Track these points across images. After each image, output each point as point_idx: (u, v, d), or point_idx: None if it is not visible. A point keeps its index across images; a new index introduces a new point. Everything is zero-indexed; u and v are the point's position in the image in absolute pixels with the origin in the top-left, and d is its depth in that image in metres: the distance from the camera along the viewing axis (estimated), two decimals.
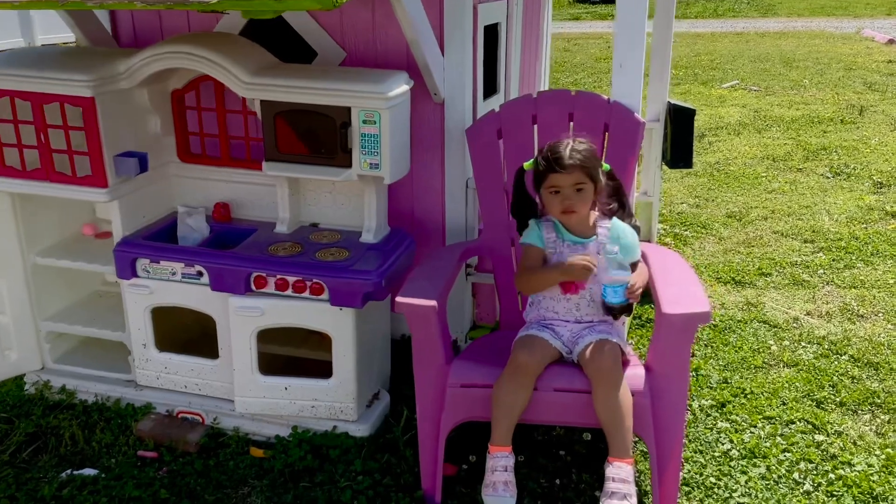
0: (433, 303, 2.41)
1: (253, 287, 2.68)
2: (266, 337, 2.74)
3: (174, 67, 2.71)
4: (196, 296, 2.77)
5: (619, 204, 2.53)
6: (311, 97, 2.58)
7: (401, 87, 2.61)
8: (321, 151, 2.66)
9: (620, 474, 2.24)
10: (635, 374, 2.37)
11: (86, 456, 2.79)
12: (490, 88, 3.32)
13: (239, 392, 2.79)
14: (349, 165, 2.64)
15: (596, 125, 2.79)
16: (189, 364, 2.89)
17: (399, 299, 2.43)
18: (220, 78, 2.63)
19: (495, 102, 3.34)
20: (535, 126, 2.86)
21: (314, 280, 2.62)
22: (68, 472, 2.69)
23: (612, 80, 2.80)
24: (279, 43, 3.01)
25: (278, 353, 2.83)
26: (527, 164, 2.53)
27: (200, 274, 2.73)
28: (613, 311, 2.42)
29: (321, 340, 2.79)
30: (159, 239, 2.86)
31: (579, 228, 2.47)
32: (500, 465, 2.30)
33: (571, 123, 2.83)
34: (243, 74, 2.60)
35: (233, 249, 2.75)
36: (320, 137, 2.64)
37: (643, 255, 2.56)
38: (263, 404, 2.79)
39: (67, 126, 2.67)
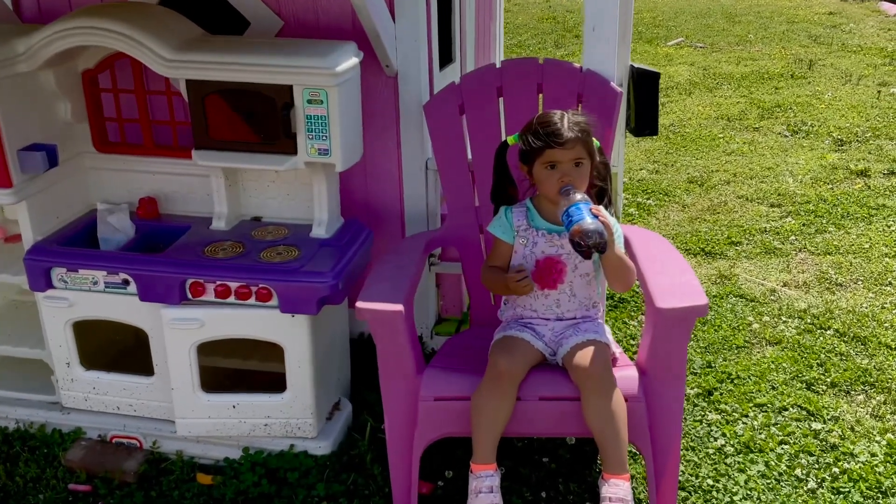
0: (399, 307, 2.12)
1: (189, 295, 2.35)
2: (207, 349, 2.42)
3: (83, 45, 2.33)
4: (123, 307, 2.42)
5: (601, 189, 2.26)
6: (246, 74, 2.24)
7: (350, 60, 2.28)
8: (260, 137, 2.32)
9: (618, 493, 1.99)
10: (627, 376, 2.13)
11: (9, 493, 2.45)
12: (445, 57, 3.01)
13: (180, 413, 2.46)
14: (294, 152, 2.31)
15: (568, 96, 2.50)
16: (121, 383, 2.55)
17: (360, 305, 2.13)
18: (138, 56, 2.27)
19: (452, 73, 3.03)
20: (501, 99, 2.57)
21: (260, 285, 2.30)
22: None
23: (583, 46, 2.51)
24: (205, 13, 2.63)
25: (222, 366, 2.51)
26: (511, 139, 2.24)
27: (126, 283, 2.38)
28: (582, 247, 1.96)
29: (271, 349, 2.48)
30: (76, 243, 2.50)
31: (555, 215, 2.19)
32: (485, 485, 2.04)
33: (541, 95, 2.54)
34: (165, 51, 2.24)
35: (163, 253, 2.40)
36: (259, 121, 2.31)
37: (626, 242, 2.30)
38: (209, 425, 2.47)
39: None
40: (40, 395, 2.68)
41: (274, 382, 2.47)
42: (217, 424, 2.47)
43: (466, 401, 2.13)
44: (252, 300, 2.32)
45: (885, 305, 3.35)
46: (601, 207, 2.08)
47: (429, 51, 2.72)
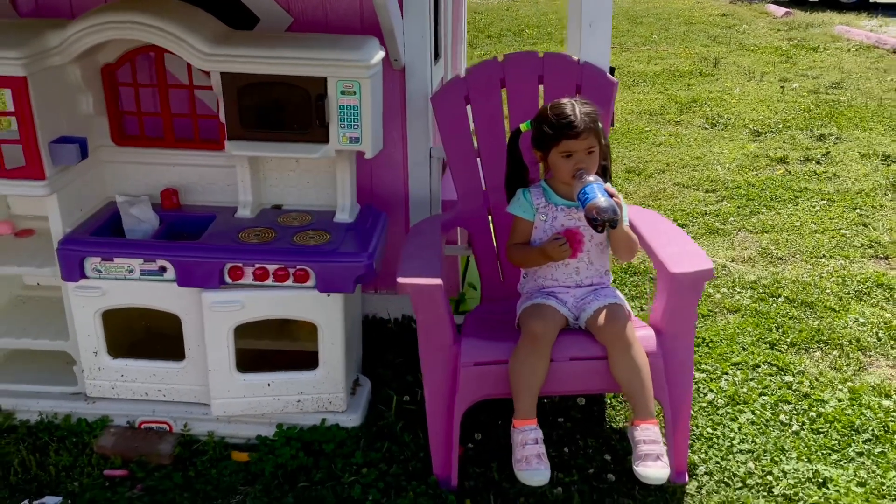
0: (438, 281, 2.30)
1: (228, 279, 2.45)
2: (239, 332, 2.52)
3: (111, 39, 2.40)
4: (158, 294, 2.50)
5: (604, 167, 2.50)
6: (283, 67, 2.36)
7: (379, 53, 2.44)
8: (294, 127, 2.45)
9: (650, 436, 2.24)
10: (646, 335, 2.37)
11: (42, 483, 2.47)
12: (436, 54, 3.18)
13: (216, 394, 2.56)
14: (326, 141, 2.45)
15: (567, 87, 2.73)
16: (150, 369, 2.62)
17: (402, 280, 2.30)
18: (176, 49, 2.36)
19: (440, 68, 3.22)
20: (504, 90, 2.78)
21: (298, 267, 2.43)
22: (25, 502, 2.38)
23: (581, 41, 2.76)
24: (217, 8, 2.72)
25: (253, 347, 2.62)
26: (524, 126, 2.45)
27: (163, 269, 2.46)
28: (597, 223, 2.18)
29: (298, 329, 2.61)
30: (103, 234, 2.56)
31: (570, 192, 2.42)
32: (531, 437, 2.24)
33: (541, 86, 2.76)
34: (202, 45, 2.34)
35: (200, 240, 2.49)
36: (292, 112, 2.43)
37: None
38: (244, 404, 2.58)
39: None
40: (61, 387, 2.71)
41: (301, 360, 2.59)
42: (252, 403, 2.58)
43: (503, 365, 2.32)
44: (289, 282, 2.45)
45: (822, 275, 3.74)
46: (611, 186, 2.32)
47: (431, 47, 2.89)
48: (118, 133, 2.67)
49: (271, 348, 2.67)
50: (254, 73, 2.38)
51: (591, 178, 2.26)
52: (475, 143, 2.78)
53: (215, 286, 2.44)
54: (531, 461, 2.22)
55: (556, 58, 2.77)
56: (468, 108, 2.77)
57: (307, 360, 2.58)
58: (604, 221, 2.20)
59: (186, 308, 2.51)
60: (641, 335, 2.35)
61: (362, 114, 2.41)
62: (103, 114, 2.62)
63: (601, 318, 2.32)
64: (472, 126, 2.78)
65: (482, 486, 2.43)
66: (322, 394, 2.60)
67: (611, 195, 2.24)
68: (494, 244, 2.78)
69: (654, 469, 2.19)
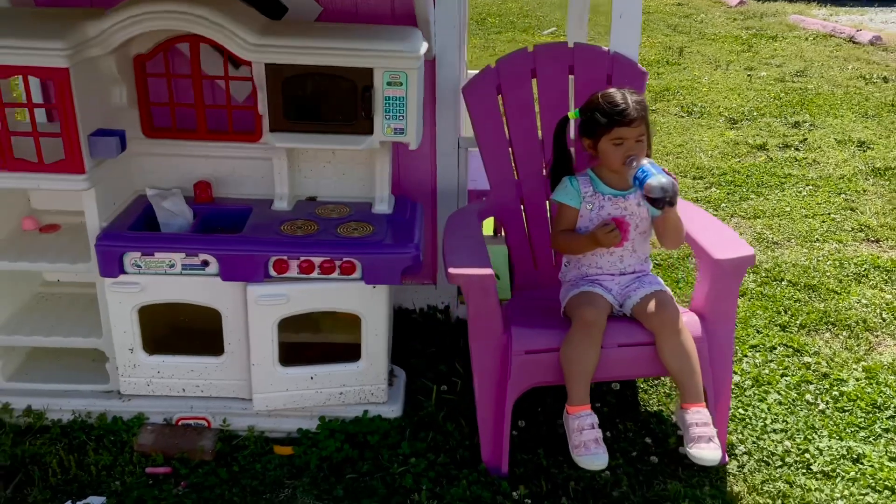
0: (490, 271, 2.32)
1: (273, 272, 2.43)
2: (281, 325, 2.50)
3: (149, 30, 2.35)
4: (199, 289, 2.46)
5: (647, 155, 2.55)
6: (330, 58, 2.34)
7: (424, 44, 2.44)
8: (338, 118, 2.43)
9: (701, 418, 2.29)
10: (692, 321, 2.43)
11: (83, 483, 2.42)
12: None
13: (258, 388, 2.54)
14: (370, 132, 2.45)
15: (598, 77, 2.77)
16: (188, 364, 2.58)
17: (453, 271, 2.31)
18: (221, 40, 2.32)
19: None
20: (534, 80, 2.80)
21: (345, 259, 2.42)
22: (69, 503, 2.34)
23: (611, 31, 2.79)
24: None
25: (294, 340, 2.60)
26: (572, 114, 2.48)
27: (206, 264, 2.43)
28: (658, 200, 2.23)
29: (338, 321, 2.60)
30: (139, 228, 2.51)
31: (617, 181, 2.46)
32: (587, 423, 2.28)
33: (572, 77, 2.79)
34: (249, 35, 2.31)
35: (243, 233, 2.46)
36: (336, 103, 2.42)
37: None
38: (287, 398, 2.56)
39: (32, 104, 2.25)
40: (92, 385, 2.65)
41: (342, 352, 2.59)
42: (294, 396, 2.56)
43: (554, 353, 2.36)
44: (335, 274, 2.44)
45: (819, 259, 3.87)
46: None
47: (459, 36, 2.90)
48: (148, 125, 2.61)
49: (310, 341, 2.65)
50: (300, 64, 2.35)
51: (645, 160, 2.30)
52: (507, 134, 2.80)
53: (260, 280, 2.42)
54: (590, 446, 2.26)
55: (586, 48, 2.80)
56: (499, 98, 2.78)
57: (348, 352, 2.58)
58: (665, 198, 2.23)
59: (228, 302, 2.48)
60: (687, 320, 2.41)
61: (408, 105, 2.41)
62: (135, 105, 2.56)
63: (651, 306, 2.36)
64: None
65: (531, 472, 2.46)
66: (364, 385, 2.60)
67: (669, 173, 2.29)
68: (527, 233, 2.81)
69: (707, 451, 2.25)
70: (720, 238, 2.48)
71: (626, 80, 2.74)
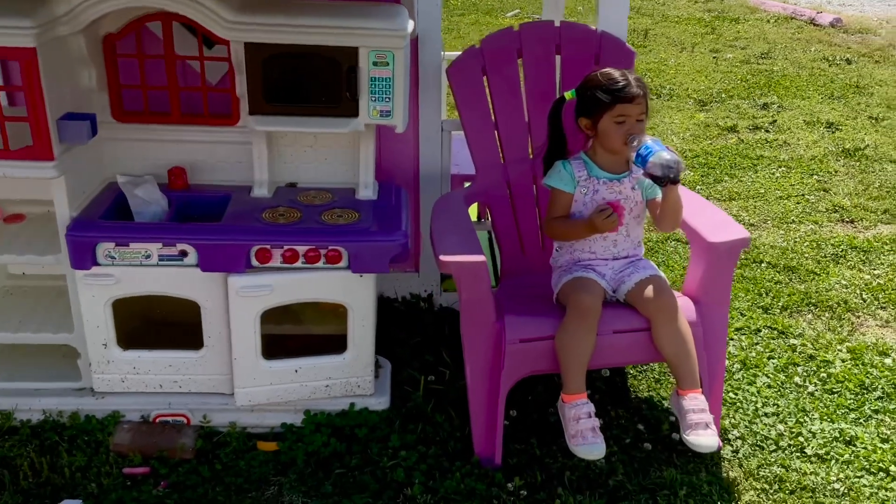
0: (483, 258, 2.25)
1: (255, 262, 2.32)
2: (263, 317, 2.40)
3: (120, 7, 2.22)
4: (176, 280, 2.35)
5: None
6: (312, 37, 2.24)
7: (410, 22, 2.34)
8: (321, 100, 2.33)
9: (697, 405, 2.26)
10: (687, 305, 2.39)
11: (57, 486, 2.31)
12: None
13: (240, 382, 2.44)
14: (355, 114, 2.35)
15: (586, 58, 2.71)
16: (165, 360, 2.47)
17: (445, 258, 2.24)
18: (197, 17, 2.20)
19: None
20: (521, 60, 2.72)
21: (330, 247, 2.33)
22: None
23: (598, 10, 2.73)
24: None
25: (277, 332, 2.50)
26: (568, 94, 2.41)
27: (184, 254, 2.31)
28: (661, 177, 2.16)
29: (320, 312, 2.52)
30: (112, 217, 2.38)
31: (612, 165, 2.41)
32: (584, 412, 2.23)
33: (559, 56, 2.72)
34: (227, 12, 2.19)
35: (223, 221, 2.35)
36: (320, 84, 2.32)
37: None
38: (270, 392, 2.46)
39: None
40: (64, 383, 2.53)
41: (327, 344, 2.50)
42: (278, 390, 2.47)
43: (548, 340, 2.30)
44: (321, 263, 2.34)
45: (796, 240, 3.87)
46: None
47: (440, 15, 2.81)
48: (119, 109, 2.48)
49: (294, 333, 2.55)
50: (281, 43, 2.25)
51: (648, 139, 2.24)
52: (493, 116, 2.72)
53: (241, 270, 2.31)
54: (587, 435, 2.21)
55: (573, 27, 2.73)
56: (484, 79, 2.71)
57: (333, 344, 2.49)
58: (670, 175, 2.16)
59: (207, 294, 2.37)
60: (682, 305, 2.36)
61: (395, 86, 2.32)
62: (104, 88, 2.43)
63: (647, 291, 2.32)
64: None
65: (525, 463, 2.41)
66: (350, 377, 2.51)
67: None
68: (514, 218, 2.74)
69: (705, 437, 2.22)
70: (714, 221, 2.44)
71: (614, 60, 2.68)
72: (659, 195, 2.39)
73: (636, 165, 2.24)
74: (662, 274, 2.42)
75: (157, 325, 2.54)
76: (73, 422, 2.48)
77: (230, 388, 2.48)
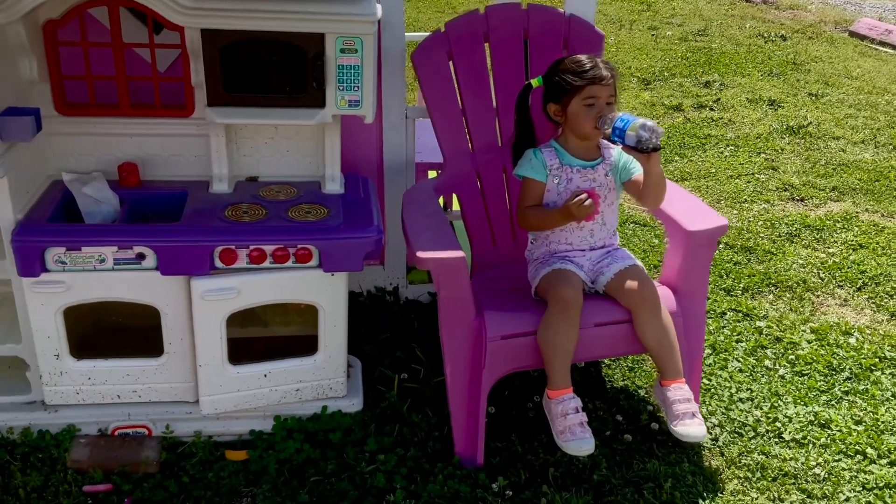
0: (461, 253, 2.17)
1: (219, 264, 2.19)
2: (229, 321, 2.27)
3: None
4: (133, 285, 2.20)
5: None
6: (274, 23, 2.10)
7: (377, 7, 2.22)
8: (286, 90, 2.20)
9: (683, 394, 2.23)
10: (666, 294, 2.36)
11: None
12: None
13: (205, 390, 2.31)
14: (322, 105, 2.23)
15: (554, 41, 2.63)
16: (123, 369, 2.32)
17: (422, 254, 2.15)
18: (149, 3, 2.04)
19: None
20: (488, 45, 2.63)
21: (300, 246, 2.21)
22: None
23: None
24: None
25: (243, 336, 2.37)
26: (535, 81, 2.34)
27: (142, 257, 2.16)
28: (643, 143, 2.12)
29: (289, 313, 2.40)
30: (60, 219, 2.21)
31: (584, 152, 2.35)
32: (571, 407, 2.17)
33: (527, 40, 2.64)
34: None
35: (182, 221, 2.21)
36: (284, 73, 2.18)
37: None
38: (238, 399, 2.34)
39: None
40: (12, 396, 2.36)
41: (297, 345, 2.39)
42: (246, 397, 2.35)
43: (530, 336, 2.24)
44: (290, 262, 2.22)
45: (750, 220, 3.90)
46: None
47: None
48: (62, 101, 2.29)
49: (260, 335, 2.43)
50: (241, 30, 2.10)
51: (619, 112, 2.19)
52: (460, 102, 2.62)
53: (205, 272, 2.18)
54: (575, 430, 2.15)
55: (541, 10, 2.64)
56: (450, 64, 2.61)
57: (303, 345, 2.38)
58: (651, 140, 2.12)
59: (168, 299, 2.23)
60: (662, 295, 2.33)
61: (364, 74, 2.20)
62: (46, 79, 2.25)
63: (627, 283, 2.27)
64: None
65: (507, 461, 2.35)
66: (322, 380, 2.41)
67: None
68: (485, 209, 2.66)
69: (692, 427, 2.19)
70: (691, 209, 2.41)
71: (583, 44, 2.62)
72: (636, 174, 2.33)
73: (614, 141, 2.18)
74: (640, 263, 2.37)
75: (113, 332, 2.38)
76: (24, 438, 2.32)
77: (194, 395, 2.35)
